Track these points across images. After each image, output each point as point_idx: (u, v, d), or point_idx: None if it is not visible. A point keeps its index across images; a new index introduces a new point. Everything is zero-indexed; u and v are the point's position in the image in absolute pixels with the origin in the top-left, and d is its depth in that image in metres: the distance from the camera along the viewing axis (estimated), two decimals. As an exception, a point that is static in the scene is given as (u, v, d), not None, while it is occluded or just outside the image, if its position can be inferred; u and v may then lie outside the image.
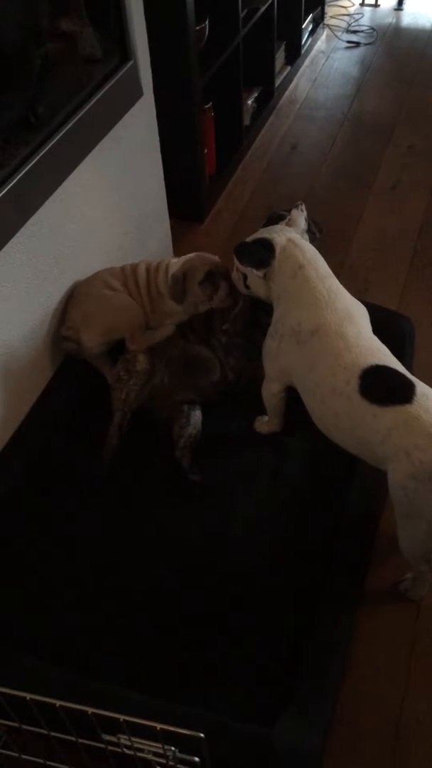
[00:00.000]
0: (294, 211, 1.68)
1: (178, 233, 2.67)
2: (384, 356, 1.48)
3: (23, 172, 1.50)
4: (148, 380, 1.82)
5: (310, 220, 1.88)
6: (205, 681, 1.40)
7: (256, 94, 3.32)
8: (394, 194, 3.00)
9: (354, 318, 1.52)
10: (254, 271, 1.60)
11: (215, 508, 1.69)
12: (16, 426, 1.78)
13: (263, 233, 1.63)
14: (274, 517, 1.68)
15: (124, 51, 1.80)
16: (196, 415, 1.84)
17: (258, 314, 1.82)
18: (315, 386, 1.50)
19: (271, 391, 1.72)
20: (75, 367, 1.92)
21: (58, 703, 0.95)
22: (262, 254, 1.57)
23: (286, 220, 1.68)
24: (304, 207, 1.71)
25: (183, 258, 1.88)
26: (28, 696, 0.96)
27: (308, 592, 1.51)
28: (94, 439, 1.80)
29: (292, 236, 1.60)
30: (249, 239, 1.64)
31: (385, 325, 1.99)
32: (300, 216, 1.68)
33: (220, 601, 1.52)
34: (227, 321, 1.87)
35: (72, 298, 1.88)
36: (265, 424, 1.84)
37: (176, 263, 1.87)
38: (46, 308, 1.82)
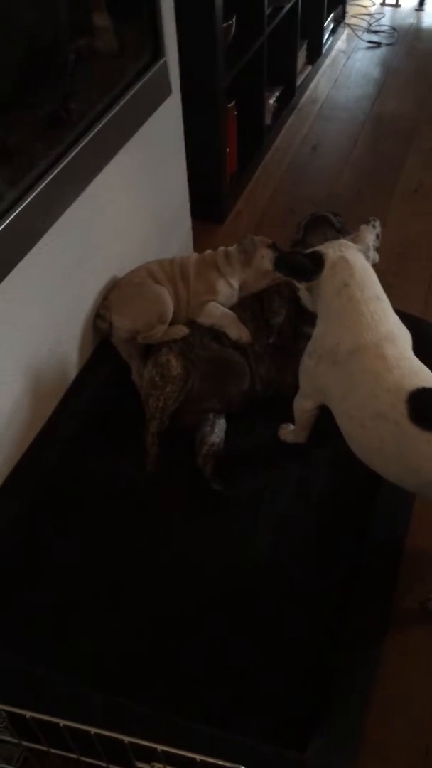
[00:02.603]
0: (363, 227, 1.61)
1: (197, 234, 2.63)
2: (428, 376, 1.41)
3: (55, 172, 1.45)
4: (183, 385, 1.77)
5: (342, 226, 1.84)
6: (231, 704, 1.36)
7: (277, 93, 3.28)
8: (417, 197, 2.95)
9: (395, 340, 1.45)
10: (296, 282, 1.55)
11: (237, 521, 1.65)
12: (38, 428, 1.75)
13: (322, 247, 1.56)
14: (297, 532, 1.63)
15: (156, 48, 1.76)
16: (221, 424, 1.80)
17: (299, 324, 1.79)
18: (354, 410, 1.44)
19: (303, 407, 1.67)
20: (99, 367, 1.89)
21: (93, 730, 0.92)
22: (308, 267, 1.52)
23: (353, 236, 1.60)
24: (378, 224, 1.62)
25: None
26: (62, 722, 0.92)
27: (334, 611, 1.47)
28: (118, 442, 1.78)
29: (348, 253, 1.52)
30: (308, 251, 1.58)
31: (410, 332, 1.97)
32: (368, 232, 1.60)
33: (243, 621, 1.47)
34: (272, 334, 1.84)
35: (117, 281, 1.90)
36: (290, 433, 1.79)
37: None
38: (69, 309, 1.78)
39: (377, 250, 1.63)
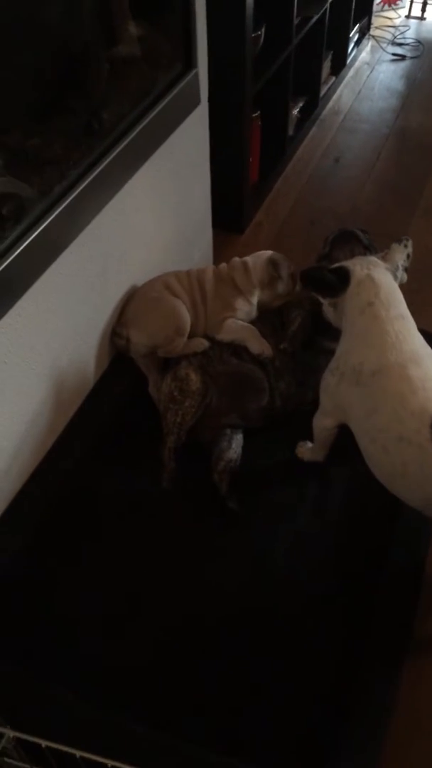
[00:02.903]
0: (394, 245, 1.58)
1: (217, 244, 2.60)
2: None
3: (85, 183, 1.44)
4: (202, 400, 1.75)
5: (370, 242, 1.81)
6: (247, 723, 1.34)
7: (301, 104, 3.26)
8: (440, 214, 2.93)
9: (420, 361, 1.43)
10: (320, 298, 1.53)
11: (253, 538, 1.63)
12: (54, 438, 1.73)
13: (349, 263, 1.54)
14: (315, 551, 1.61)
15: (188, 59, 1.74)
16: (238, 440, 1.78)
17: (314, 335, 1.76)
18: (376, 432, 1.41)
19: (323, 425, 1.65)
20: (116, 379, 1.88)
21: (110, 763, 0.89)
22: (334, 283, 1.50)
23: (383, 254, 1.58)
24: (410, 243, 1.59)
25: (263, 252, 1.91)
26: (78, 753, 0.90)
27: (352, 635, 1.44)
28: (134, 455, 1.76)
29: (375, 271, 1.51)
30: (335, 266, 1.55)
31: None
32: (398, 251, 1.57)
33: (259, 640, 1.45)
34: (284, 340, 1.81)
35: (130, 298, 1.87)
36: (308, 451, 1.77)
37: (259, 257, 1.89)
38: (90, 318, 1.77)
39: (406, 270, 1.61)
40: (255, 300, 1.87)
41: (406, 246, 1.58)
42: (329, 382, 1.57)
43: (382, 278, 1.51)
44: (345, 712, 1.31)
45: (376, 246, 1.79)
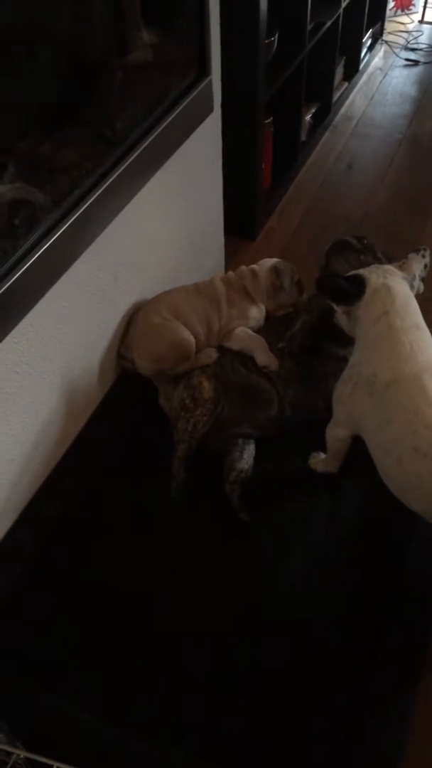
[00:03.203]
0: (411, 255, 1.55)
1: (228, 251, 2.59)
2: None
3: (98, 192, 1.43)
4: (214, 409, 1.73)
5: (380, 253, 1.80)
6: (258, 743, 1.32)
7: (314, 110, 3.24)
8: (453, 221, 2.90)
9: None
10: (335, 306, 1.51)
11: (264, 550, 1.60)
12: (65, 447, 1.72)
13: (365, 271, 1.52)
14: (327, 565, 1.58)
15: (202, 66, 1.73)
16: (250, 450, 1.76)
17: (319, 339, 1.74)
18: (391, 444, 1.39)
19: (336, 435, 1.62)
20: (128, 387, 1.86)
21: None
22: (349, 291, 1.48)
23: (400, 263, 1.55)
24: (428, 253, 1.55)
25: (267, 260, 1.89)
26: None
27: (366, 649, 1.42)
28: (143, 465, 1.75)
29: (391, 281, 1.48)
30: (350, 273, 1.53)
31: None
32: (416, 261, 1.53)
33: (267, 655, 1.43)
34: (282, 340, 1.80)
35: (133, 318, 1.84)
36: (321, 462, 1.75)
37: (263, 265, 1.88)
38: (103, 328, 1.76)
39: (423, 280, 1.59)
40: (264, 307, 1.86)
41: (424, 256, 1.55)
42: (342, 391, 1.55)
43: (398, 287, 1.48)
44: (359, 728, 1.29)
45: (373, 248, 1.78)
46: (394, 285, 1.48)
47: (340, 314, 1.57)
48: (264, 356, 1.78)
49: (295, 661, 1.43)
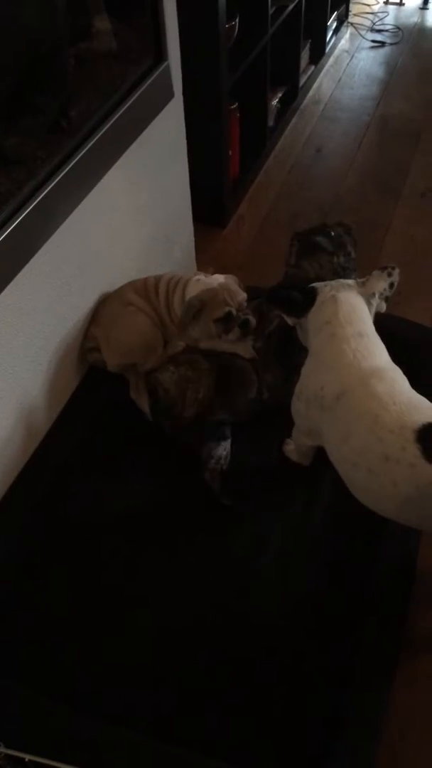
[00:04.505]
0: (375, 273, 1.47)
1: (198, 239, 2.57)
2: (430, 409, 1.30)
3: (55, 181, 1.40)
4: (210, 382, 1.73)
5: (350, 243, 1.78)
6: (238, 733, 1.32)
7: (280, 95, 3.22)
8: (425, 202, 2.90)
9: (384, 375, 1.34)
10: (285, 317, 1.49)
11: (243, 539, 1.59)
12: (37, 443, 1.69)
13: (321, 284, 1.47)
14: (305, 550, 1.57)
15: (159, 51, 1.71)
16: (227, 436, 1.75)
17: (293, 334, 1.73)
18: (356, 456, 1.31)
19: (302, 442, 1.60)
20: (99, 380, 1.84)
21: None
22: (297, 302, 1.45)
23: (364, 279, 1.48)
24: (396, 272, 1.47)
25: (206, 280, 1.76)
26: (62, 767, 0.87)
27: (343, 634, 1.42)
28: (119, 458, 1.72)
29: (341, 293, 1.43)
30: (307, 286, 1.49)
31: (416, 342, 1.91)
32: (379, 279, 1.46)
33: (247, 645, 1.42)
34: (258, 338, 1.79)
35: (95, 313, 1.81)
36: (294, 452, 1.73)
37: (196, 284, 1.75)
38: (70, 320, 1.73)
39: (387, 299, 1.50)
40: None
41: (390, 275, 1.47)
42: (298, 407, 1.52)
43: (346, 299, 1.43)
44: (339, 715, 1.28)
45: (345, 243, 1.76)
46: (342, 296, 1.44)
47: (291, 325, 1.54)
48: (246, 351, 1.77)
49: (275, 647, 1.42)
